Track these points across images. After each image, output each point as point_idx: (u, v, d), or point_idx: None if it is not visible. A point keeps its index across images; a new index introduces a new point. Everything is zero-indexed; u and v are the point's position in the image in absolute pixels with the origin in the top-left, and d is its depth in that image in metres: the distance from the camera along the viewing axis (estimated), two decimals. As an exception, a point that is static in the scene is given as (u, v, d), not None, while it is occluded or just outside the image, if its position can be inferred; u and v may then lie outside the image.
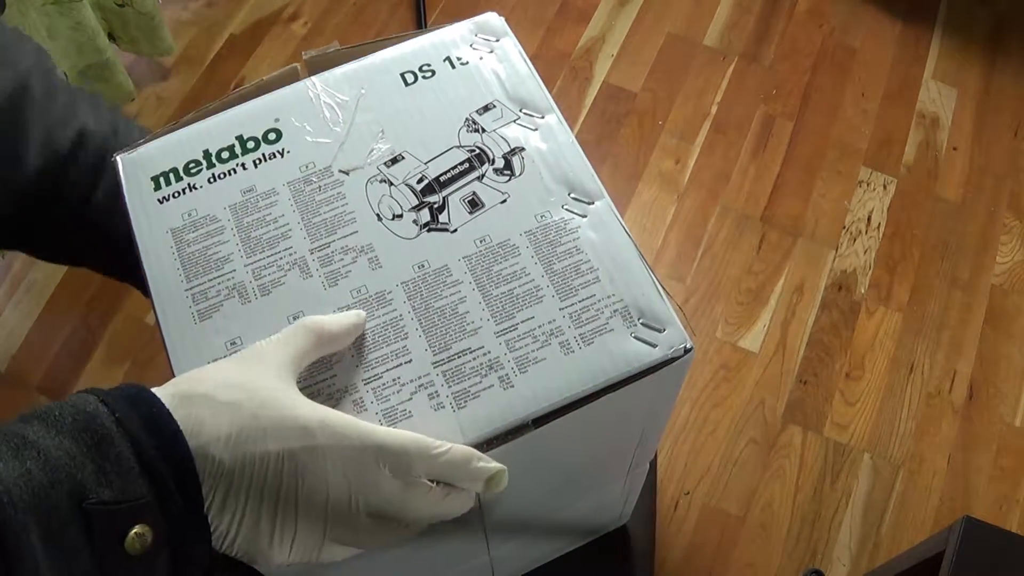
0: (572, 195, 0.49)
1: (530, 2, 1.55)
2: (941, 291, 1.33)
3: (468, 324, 0.46)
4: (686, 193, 1.39)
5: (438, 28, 0.56)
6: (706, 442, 1.21)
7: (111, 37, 1.36)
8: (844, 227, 1.38)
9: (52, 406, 0.38)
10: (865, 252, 1.36)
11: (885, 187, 1.41)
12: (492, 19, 0.55)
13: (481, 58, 0.54)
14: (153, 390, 0.39)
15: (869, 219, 1.38)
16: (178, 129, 0.51)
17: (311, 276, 0.47)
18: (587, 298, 0.46)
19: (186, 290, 0.47)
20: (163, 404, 0.38)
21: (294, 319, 0.46)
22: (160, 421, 0.37)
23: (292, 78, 0.53)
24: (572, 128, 1.40)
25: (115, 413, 0.36)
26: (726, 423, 1.23)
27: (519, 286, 0.46)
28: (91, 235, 0.59)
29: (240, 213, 0.48)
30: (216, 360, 0.44)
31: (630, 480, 0.65)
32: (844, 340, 1.29)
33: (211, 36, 1.53)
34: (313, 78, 0.53)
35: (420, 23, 1.51)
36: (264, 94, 0.53)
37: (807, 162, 1.43)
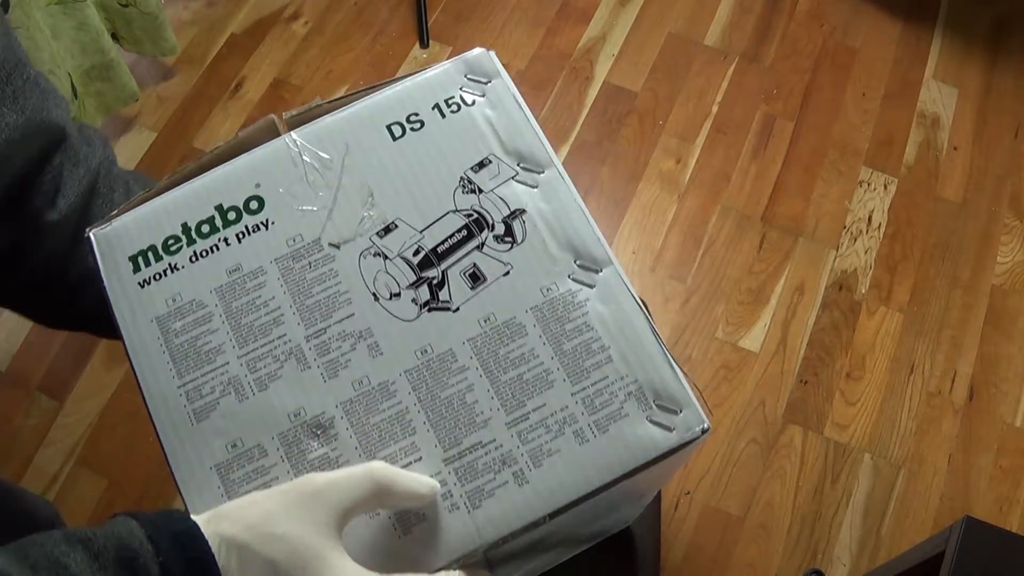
0: (578, 263, 0.46)
1: (531, 2, 1.55)
2: (942, 291, 1.33)
3: (478, 415, 0.44)
4: (687, 193, 1.39)
5: (424, 71, 0.51)
6: (707, 442, 1.21)
7: (114, 37, 1.36)
8: (845, 227, 1.38)
9: (96, 533, 0.37)
10: (866, 252, 1.36)
11: (886, 187, 1.41)
12: (482, 57, 0.50)
13: (473, 102, 0.49)
14: (198, 523, 0.38)
15: (870, 219, 1.38)
16: (153, 199, 0.47)
17: (309, 367, 0.44)
18: (600, 380, 0.44)
19: (179, 387, 0.44)
20: (209, 548, 0.37)
21: (295, 416, 0.44)
22: (203, 568, 0.37)
23: (269, 133, 0.49)
24: (572, 129, 1.40)
25: (159, 556, 0.36)
26: (727, 423, 1.23)
27: (528, 370, 0.44)
28: None
29: (228, 296, 0.45)
30: (258, 487, 0.42)
31: (639, 504, 0.65)
32: (845, 340, 1.29)
33: (212, 36, 1.53)
34: (293, 134, 0.49)
35: (421, 23, 1.51)
36: (241, 153, 0.48)
37: (808, 162, 1.43)
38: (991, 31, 1.57)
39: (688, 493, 1.18)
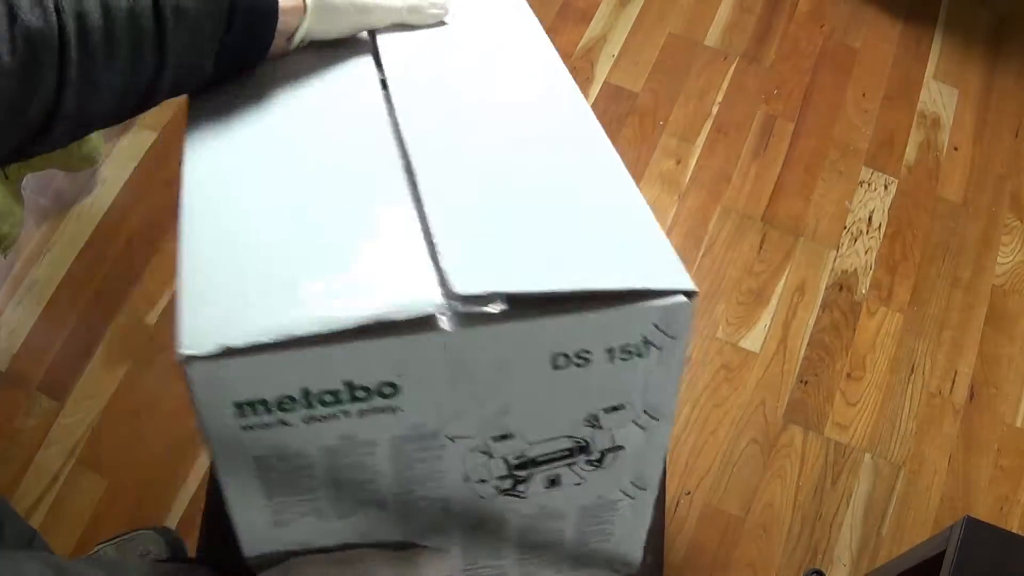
0: (632, 482, 0.51)
1: (531, 2, 1.54)
2: (942, 291, 1.33)
3: (498, 550, 0.53)
4: (687, 193, 1.39)
5: (615, 291, 0.42)
6: (707, 442, 1.21)
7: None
8: (845, 227, 1.38)
9: None
10: (866, 252, 1.36)
11: (886, 187, 1.41)
12: (681, 310, 0.43)
13: (647, 354, 0.45)
14: None
15: (870, 219, 1.38)
16: (276, 350, 0.39)
17: (386, 510, 0.49)
18: (595, 560, 0.55)
19: (265, 503, 0.46)
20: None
21: (363, 536, 0.49)
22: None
23: (423, 324, 0.40)
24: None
25: None
26: (727, 423, 1.23)
27: (550, 537, 0.54)
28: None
29: (334, 456, 0.44)
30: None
31: None
32: (845, 340, 1.29)
33: None
34: (456, 335, 0.41)
35: (421, 23, 1.51)
36: (388, 334, 0.40)
37: (808, 162, 1.43)
38: (991, 31, 1.57)
39: (688, 493, 1.18)
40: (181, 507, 1.15)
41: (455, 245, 0.42)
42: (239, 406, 0.40)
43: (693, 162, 1.42)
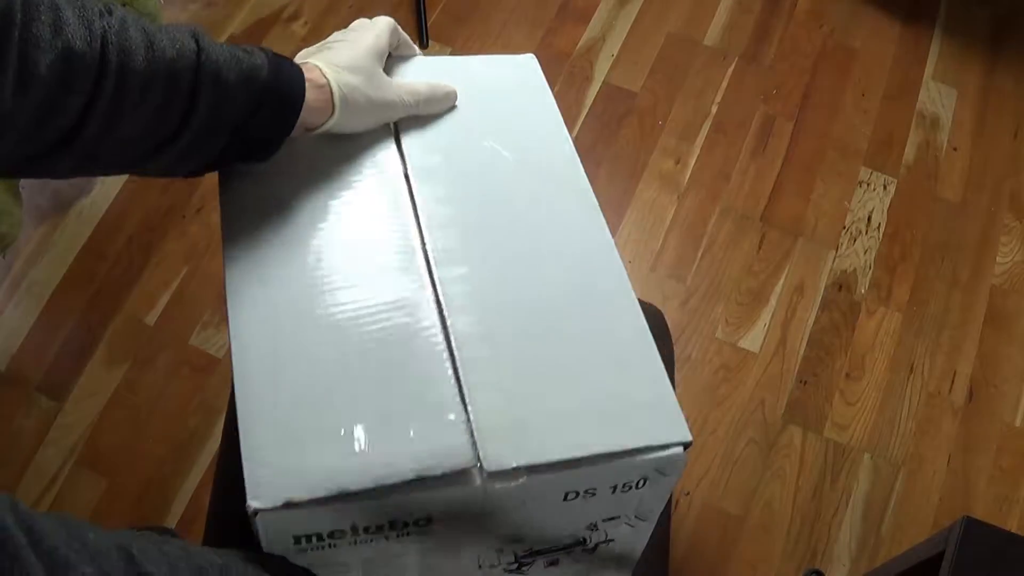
0: (616, 562, 0.59)
1: (530, 2, 1.55)
2: (941, 291, 1.33)
3: None
4: (686, 193, 1.39)
5: (623, 448, 0.49)
6: (706, 442, 1.21)
7: (112, 37, 1.36)
8: (844, 227, 1.38)
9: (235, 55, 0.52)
10: (865, 252, 1.36)
11: (885, 187, 1.41)
12: (677, 459, 0.50)
13: (641, 487, 0.52)
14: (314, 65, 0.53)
15: (869, 219, 1.39)
16: (332, 502, 0.45)
17: None
18: None
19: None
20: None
21: None
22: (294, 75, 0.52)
23: (458, 477, 0.47)
24: (572, 129, 1.40)
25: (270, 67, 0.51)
26: (726, 423, 1.23)
27: None
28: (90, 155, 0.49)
29: (370, 565, 0.50)
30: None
31: None
32: (844, 340, 1.29)
33: (212, 36, 1.53)
34: (486, 488, 0.47)
35: (420, 23, 1.51)
36: (429, 488, 0.46)
37: (807, 162, 1.43)
38: (990, 32, 1.57)
39: (688, 493, 1.18)
40: (181, 507, 1.15)
41: (486, 416, 0.48)
42: (297, 539, 0.46)
43: (692, 162, 1.42)
